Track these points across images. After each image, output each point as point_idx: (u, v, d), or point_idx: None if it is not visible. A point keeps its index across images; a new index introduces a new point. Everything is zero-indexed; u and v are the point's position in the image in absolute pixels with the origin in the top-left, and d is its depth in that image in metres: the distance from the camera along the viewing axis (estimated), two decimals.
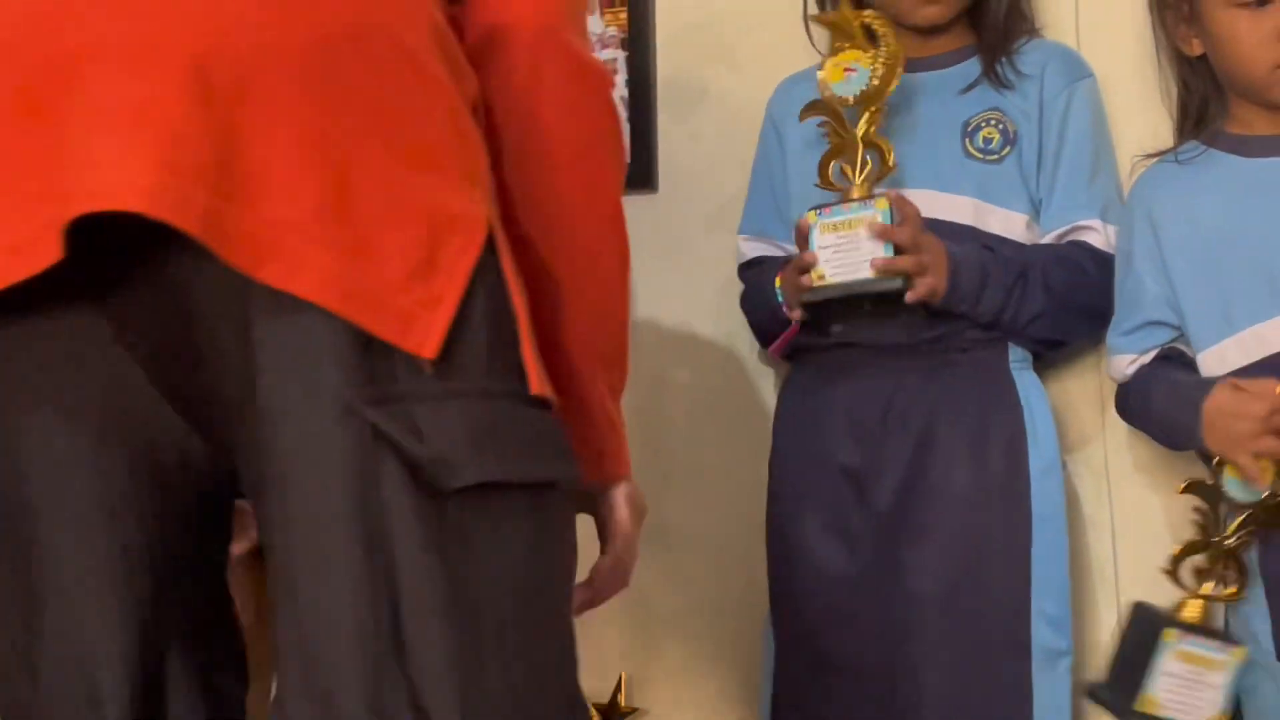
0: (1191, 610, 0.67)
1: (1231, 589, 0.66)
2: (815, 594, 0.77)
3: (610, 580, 0.51)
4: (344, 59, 0.36)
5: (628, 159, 0.52)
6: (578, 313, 0.46)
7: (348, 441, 0.34)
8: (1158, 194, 0.73)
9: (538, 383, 0.38)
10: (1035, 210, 0.78)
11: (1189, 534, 0.75)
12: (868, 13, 0.74)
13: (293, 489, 0.35)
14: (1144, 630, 0.67)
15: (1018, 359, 0.76)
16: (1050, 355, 0.80)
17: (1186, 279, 0.70)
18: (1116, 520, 0.80)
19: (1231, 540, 0.65)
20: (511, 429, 0.37)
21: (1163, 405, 0.70)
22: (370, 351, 0.34)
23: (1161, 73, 0.76)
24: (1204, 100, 0.73)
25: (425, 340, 0.34)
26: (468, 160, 0.38)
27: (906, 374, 0.75)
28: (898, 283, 0.71)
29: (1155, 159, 0.74)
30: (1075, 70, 0.78)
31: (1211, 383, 0.67)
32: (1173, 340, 0.72)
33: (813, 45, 0.81)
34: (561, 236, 0.45)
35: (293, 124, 0.34)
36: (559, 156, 0.44)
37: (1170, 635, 0.65)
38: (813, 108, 0.77)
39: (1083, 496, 0.81)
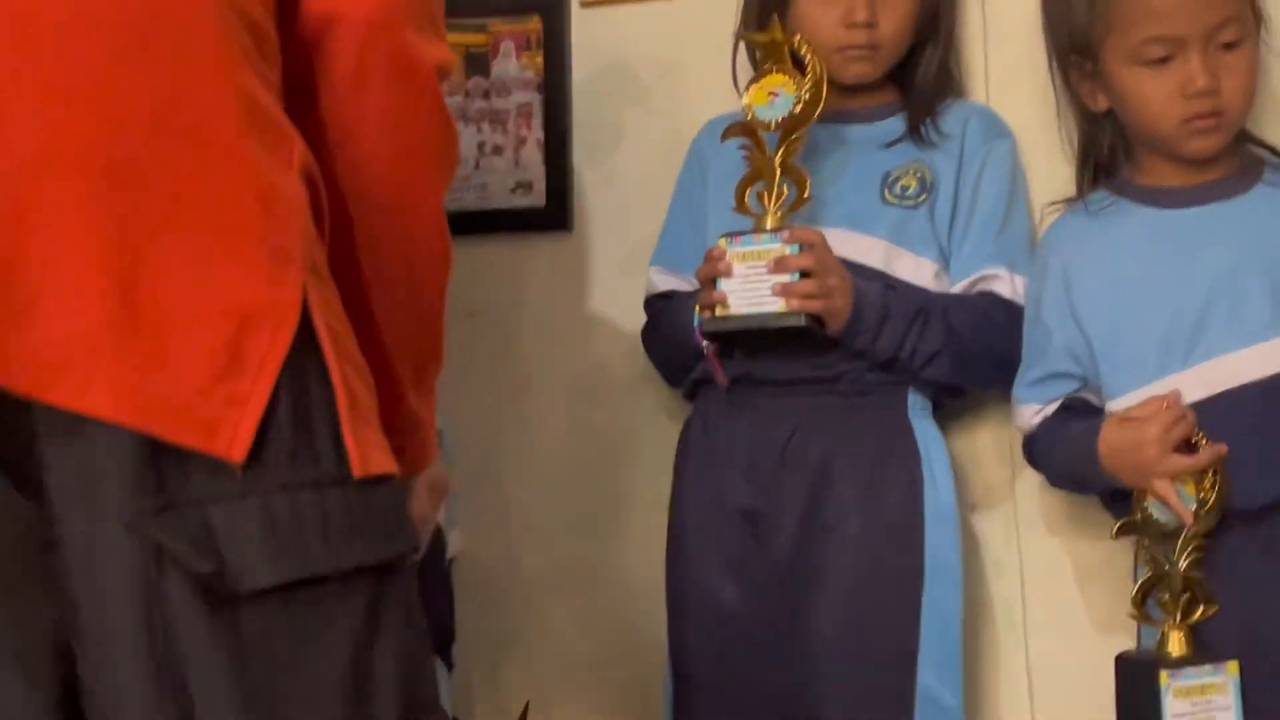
0: (1175, 645, 0.66)
1: (1203, 609, 0.65)
2: (711, 636, 0.77)
3: None
4: (138, 154, 0.34)
5: (457, 161, 0.51)
6: (390, 313, 0.46)
7: (131, 560, 0.32)
8: (1070, 245, 0.74)
9: (360, 464, 0.36)
10: (945, 261, 0.79)
11: (1098, 578, 0.76)
12: (799, 38, 0.75)
13: (85, 619, 0.33)
14: (1138, 682, 0.66)
15: (917, 406, 0.77)
16: (959, 403, 0.80)
17: (1101, 330, 0.70)
18: (1025, 566, 0.80)
19: (1184, 563, 0.65)
20: (323, 519, 0.35)
21: (1063, 460, 0.71)
22: (160, 460, 0.33)
23: (1064, 128, 0.77)
24: (1111, 151, 0.74)
25: (233, 442, 0.33)
26: (279, 237, 0.37)
27: (805, 415, 0.75)
28: (801, 320, 0.71)
29: (1063, 208, 0.76)
30: (995, 130, 0.80)
31: (1097, 423, 0.67)
32: (1076, 390, 0.72)
33: (735, 88, 0.82)
34: (375, 238, 0.45)
35: (80, 232, 0.33)
36: (376, 160, 0.44)
37: (1165, 678, 0.64)
38: (735, 129, 0.77)
39: (991, 542, 0.81)
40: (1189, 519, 0.63)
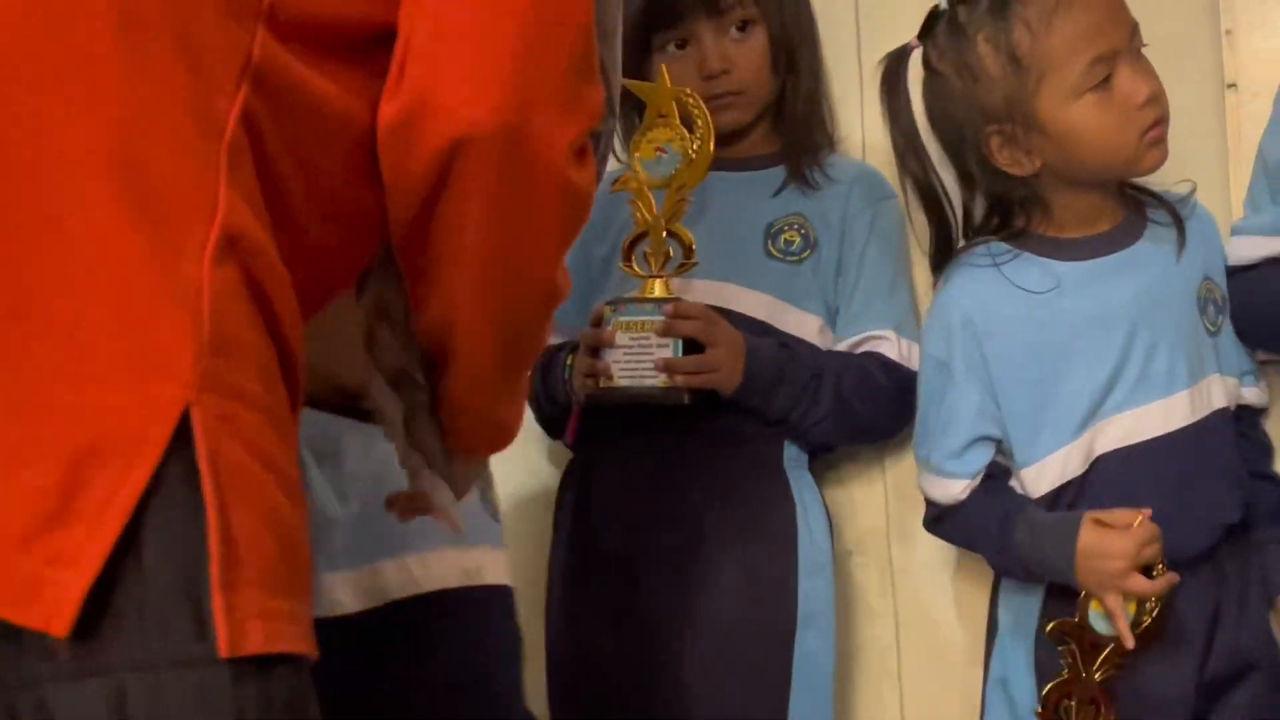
0: None
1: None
2: (587, 684, 0.77)
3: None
4: None
5: (584, 222, 0.45)
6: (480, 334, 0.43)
7: None
8: (974, 299, 0.72)
9: (229, 641, 0.28)
10: (830, 316, 0.80)
11: (971, 625, 0.79)
12: (685, 89, 0.74)
13: None
14: None
15: (793, 456, 0.78)
16: (834, 453, 0.83)
17: (1015, 390, 0.71)
18: (899, 612, 0.84)
19: (1099, 675, 0.67)
20: (197, 706, 0.29)
21: (1029, 547, 0.69)
22: None
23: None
24: (1010, 208, 0.74)
25: (55, 612, 0.27)
26: (150, 346, 0.29)
27: (682, 464, 0.75)
28: (682, 398, 0.72)
29: (959, 261, 0.74)
30: (880, 190, 0.82)
31: (1075, 521, 0.67)
32: (995, 454, 0.72)
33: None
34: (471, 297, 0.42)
35: None
36: (470, 260, 0.40)
37: None
38: (623, 182, 0.75)
39: (866, 589, 0.84)
40: (1129, 640, 0.65)
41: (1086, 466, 0.70)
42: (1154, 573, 0.66)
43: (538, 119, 0.37)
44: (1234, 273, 0.76)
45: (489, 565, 0.64)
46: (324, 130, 0.37)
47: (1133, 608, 0.66)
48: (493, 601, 0.64)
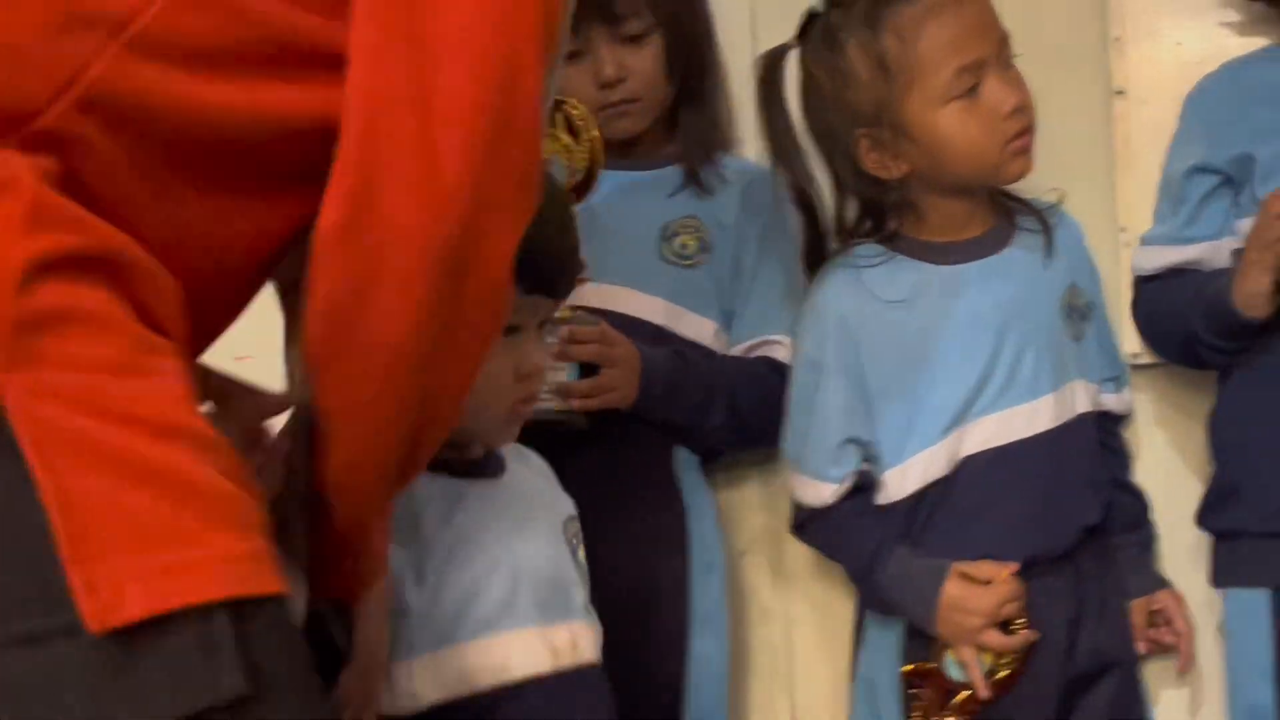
0: None
1: None
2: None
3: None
4: None
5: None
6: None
7: None
8: (848, 301, 0.74)
9: (98, 614, 0.28)
10: (725, 320, 0.81)
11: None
12: (571, 101, 0.73)
13: None
14: None
15: (684, 459, 0.80)
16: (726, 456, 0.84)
17: (888, 391, 0.72)
18: (791, 612, 0.86)
19: (952, 718, 0.70)
20: (49, 684, 0.28)
21: (893, 588, 0.71)
22: None
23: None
24: (882, 212, 0.75)
25: None
26: None
27: (572, 470, 0.74)
28: (581, 422, 0.73)
29: (838, 262, 0.76)
30: (775, 194, 0.82)
31: (941, 571, 0.69)
32: (864, 459, 0.74)
33: None
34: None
35: None
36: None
37: None
38: None
39: (759, 590, 0.86)
40: (982, 691, 0.68)
41: (953, 467, 0.71)
42: (1012, 627, 0.68)
43: (486, 230, 0.38)
44: (1139, 281, 0.80)
45: (581, 640, 0.60)
46: (195, 141, 0.37)
47: (989, 659, 0.69)
48: (583, 683, 0.60)
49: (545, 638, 0.58)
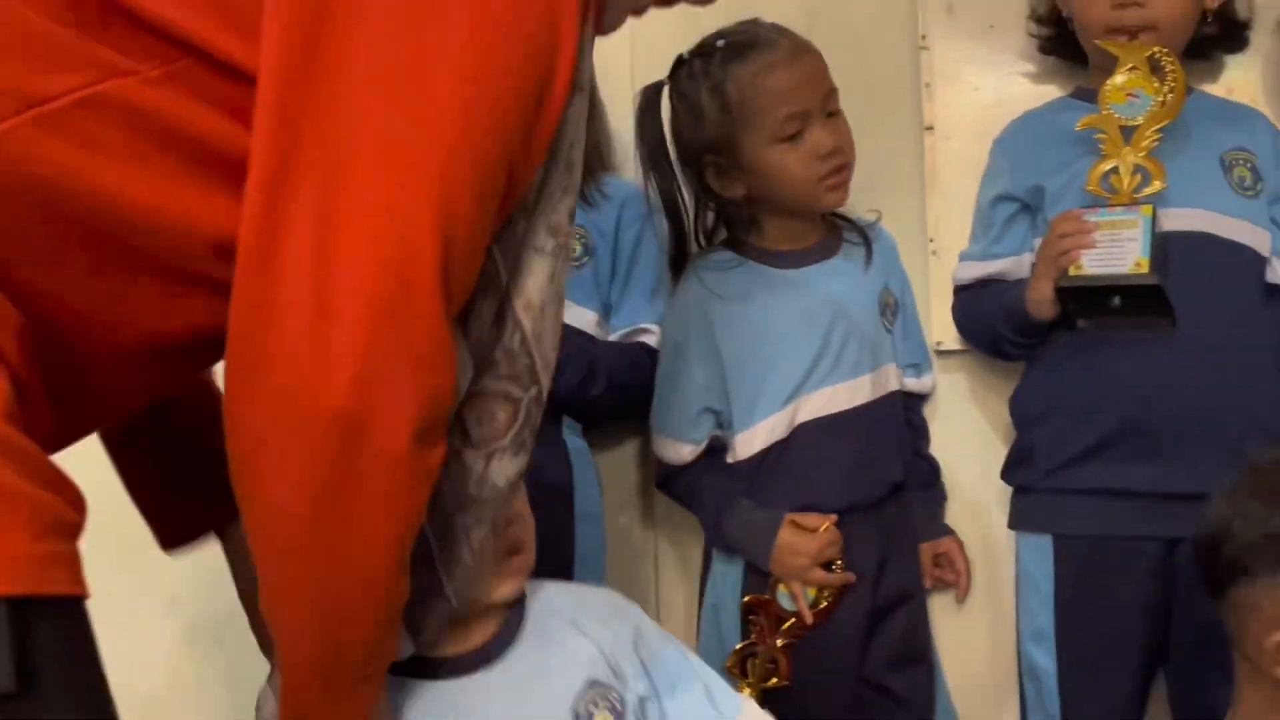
0: (752, 692, 0.83)
1: (776, 680, 0.85)
2: None
3: None
4: None
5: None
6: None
7: None
8: (707, 294, 0.88)
9: None
10: (605, 311, 0.95)
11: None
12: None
13: None
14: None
15: (569, 426, 0.93)
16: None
17: (738, 368, 0.87)
18: (659, 556, 1.02)
19: (780, 641, 0.85)
20: None
21: (737, 534, 0.86)
22: None
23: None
24: (731, 224, 0.90)
25: None
26: None
27: None
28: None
29: (699, 264, 0.90)
30: (647, 207, 0.95)
31: (777, 520, 0.84)
32: (717, 425, 0.88)
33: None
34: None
35: None
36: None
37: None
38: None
39: (631, 534, 1.01)
40: (808, 618, 0.83)
41: (789, 432, 0.87)
42: (834, 567, 0.85)
43: (376, 405, 0.36)
44: (957, 290, 0.96)
45: None
46: (89, 221, 0.37)
47: (813, 592, 0.84)
48: None
49: None
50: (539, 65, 0.39)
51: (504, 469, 0.50)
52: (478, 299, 0.44)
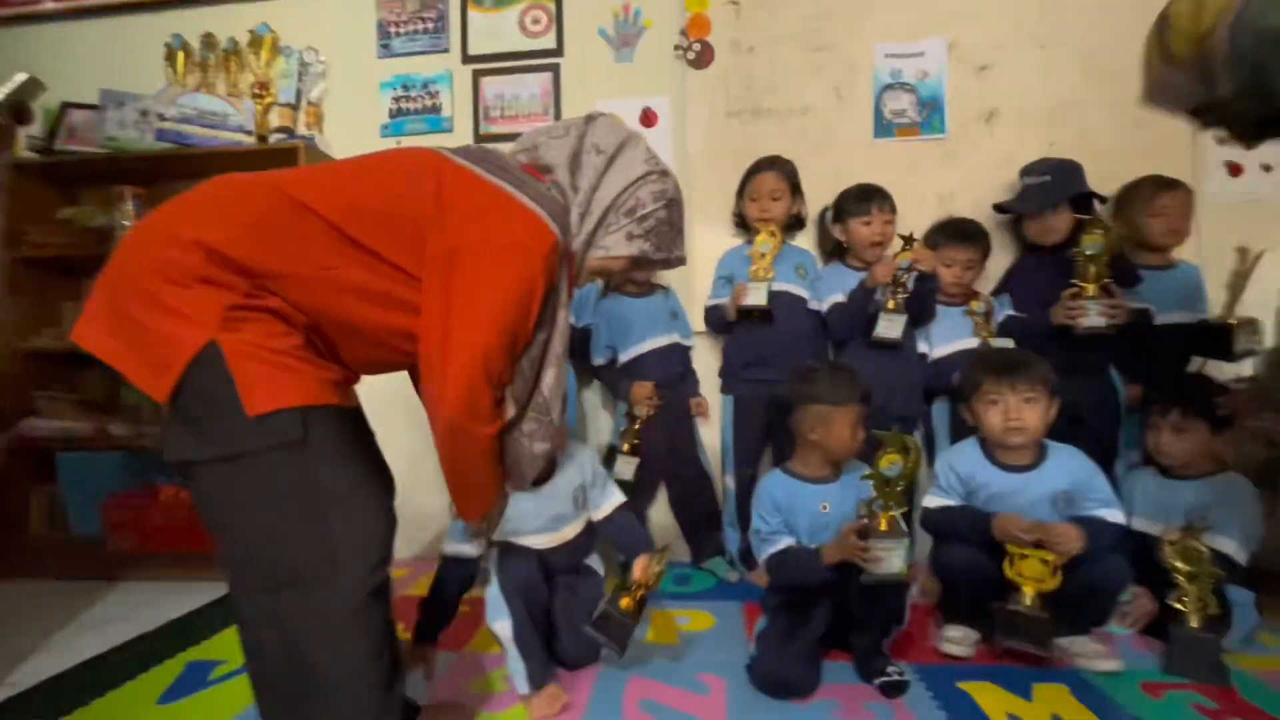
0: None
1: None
2: None
3: None
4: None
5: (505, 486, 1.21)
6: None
7: None
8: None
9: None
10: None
11: None
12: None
13: None
14: None
15: None
16: None
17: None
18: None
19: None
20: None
21: None
22: None
23: None
24: None
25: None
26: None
27: None
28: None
29: None
30: None
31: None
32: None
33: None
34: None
35: None
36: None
37: None
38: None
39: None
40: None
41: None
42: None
43: (465, 427, 0.98)
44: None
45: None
46: (356, 325, 1.00)
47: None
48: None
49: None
50: (528, 307, 1.02)
51: (536, 446, 1.15)
52: (518, 380, 1.06)
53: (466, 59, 2.75)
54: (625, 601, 1.43)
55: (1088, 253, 1.98)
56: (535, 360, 1.08)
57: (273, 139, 2.68)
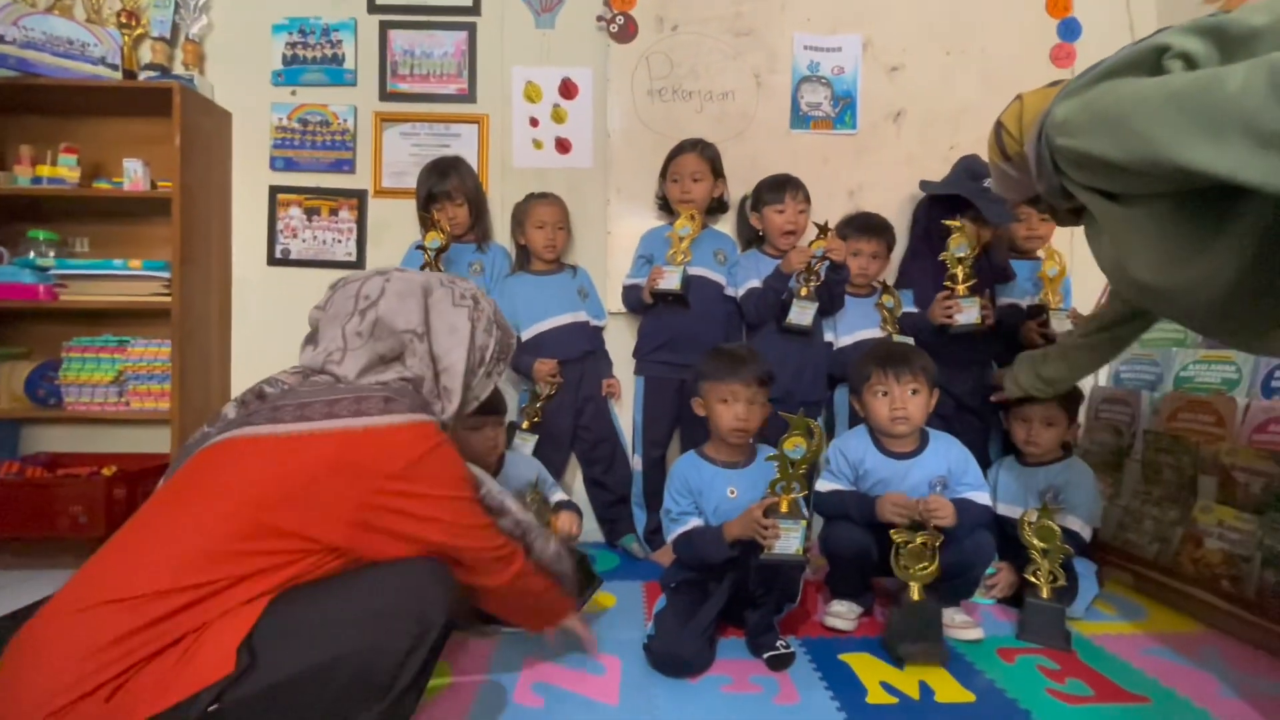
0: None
1: None
2: None
3: None
4: None
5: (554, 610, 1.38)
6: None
7: None
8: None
9: None
10: None
11: None
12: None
13: None
14: None
15: None
16: None
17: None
18: None
19: None
20: None
21: None
22: None
23: None
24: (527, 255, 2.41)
25: None
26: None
27: None
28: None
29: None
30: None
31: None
32: None
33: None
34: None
35: None
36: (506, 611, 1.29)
37: None
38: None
39: None
40: None
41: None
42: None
43: (506, 577, 1.14)
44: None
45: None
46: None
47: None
48: None
49: None
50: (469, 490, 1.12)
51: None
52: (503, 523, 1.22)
53: (373, 7, 2.56)
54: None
55: (956, 255, 2.12)
56: (493, 507, 1.20)
57: (142, 76, 2.39)
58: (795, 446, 1.53)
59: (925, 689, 1.44)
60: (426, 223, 2.27)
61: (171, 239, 2.24)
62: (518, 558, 1.17)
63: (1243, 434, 1.89)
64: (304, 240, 2.54)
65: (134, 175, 2.30)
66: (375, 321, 1.12)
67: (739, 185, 2.46)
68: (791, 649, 1.56)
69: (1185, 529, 1.92)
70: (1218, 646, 1.65)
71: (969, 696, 1.41)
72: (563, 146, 2.54)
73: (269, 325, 2.52)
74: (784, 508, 1.52)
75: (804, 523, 1.51)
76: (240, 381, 2.52)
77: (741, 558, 1.57)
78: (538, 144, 2.54)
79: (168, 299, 2.26)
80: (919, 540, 1.58)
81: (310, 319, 1.20)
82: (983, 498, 1.73)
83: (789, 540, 1.49)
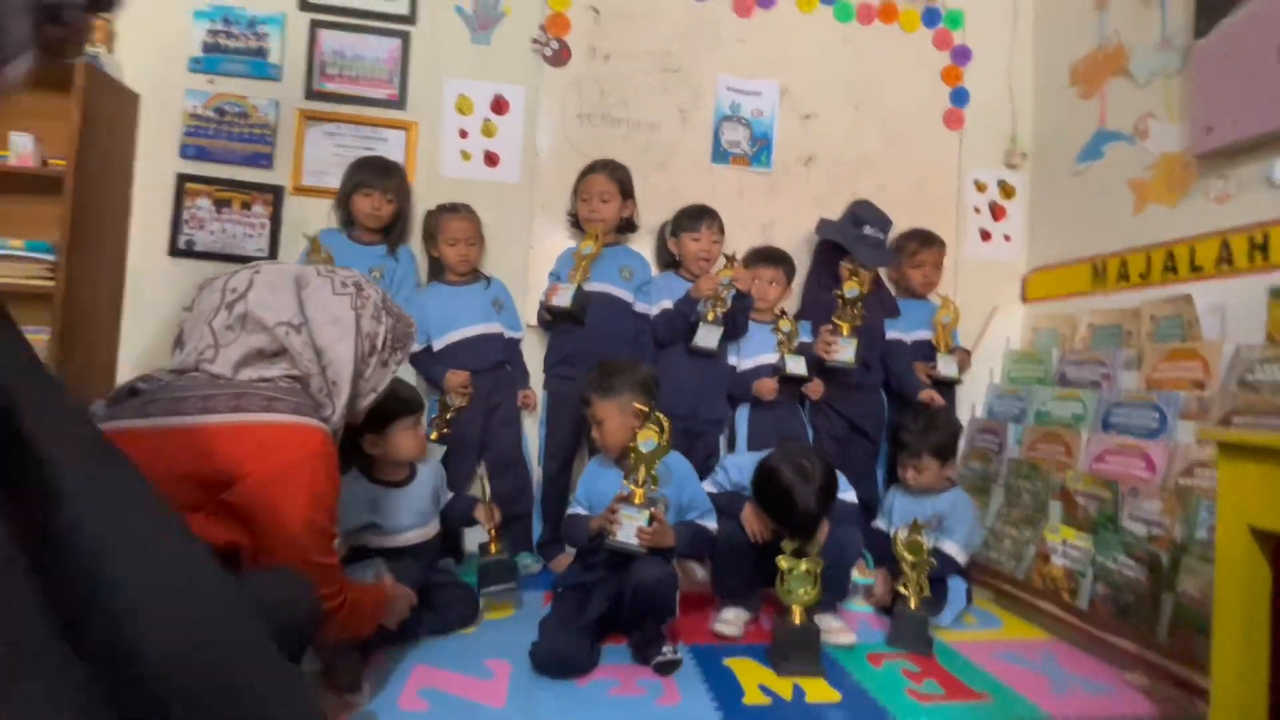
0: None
1: None
2: None
3: None
4: None
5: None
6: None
7: None
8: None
9: None
10: None
11: None
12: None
13: None
14: None
15: None
16: None
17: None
18: None
19: None
20: None
21: None
22: None
23: None
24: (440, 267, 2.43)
25: None
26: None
27: None
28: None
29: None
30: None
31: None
32: None
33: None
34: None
35: None
36: None
37: None
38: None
39: None
40: None
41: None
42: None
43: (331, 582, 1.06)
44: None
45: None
46: None
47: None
48: None
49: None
50: (330, 501, 1.06)
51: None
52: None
53: (305, 5, 2.54)
54: (493, 548, 1.84)
55: (847, 296, 2.32)
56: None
57: None
58: (646, 440, 1.63)
59: (798, 690, 1.55)
60: (347, 213, 2.33)
61: (61, 220, 2.12)
62: (341, 603, 1.11)
63: (1085, 462, 2.14)
64: (211, 233, 2.46)
65: (22, 150, 2.18)
66: (244, 315, 1.06)
67: (661, 212, 2.58)
68: (679, 655, 1.64)
69: (1037, 547, 2.15)
70: (1056, 652, 1.85)
71: (836, 696, 1.54)
72: (491, 160, 2.58)
73: (166, 319, 2.42)
74: (637, 499, 1.60)
75: (647, 514, 1.58)
76: (128, 377, 2.40)
77: (623, 566, 1.63)
78: (466, 155, 2.57)
79: (50, 283, 2.14)
80: (803, 568, 1.71)
81: (179, 321, 1.14)
82: (849, 496, 1.92)
83: (629, 528, 1.56)
